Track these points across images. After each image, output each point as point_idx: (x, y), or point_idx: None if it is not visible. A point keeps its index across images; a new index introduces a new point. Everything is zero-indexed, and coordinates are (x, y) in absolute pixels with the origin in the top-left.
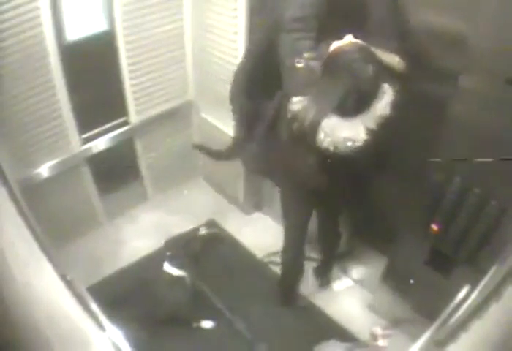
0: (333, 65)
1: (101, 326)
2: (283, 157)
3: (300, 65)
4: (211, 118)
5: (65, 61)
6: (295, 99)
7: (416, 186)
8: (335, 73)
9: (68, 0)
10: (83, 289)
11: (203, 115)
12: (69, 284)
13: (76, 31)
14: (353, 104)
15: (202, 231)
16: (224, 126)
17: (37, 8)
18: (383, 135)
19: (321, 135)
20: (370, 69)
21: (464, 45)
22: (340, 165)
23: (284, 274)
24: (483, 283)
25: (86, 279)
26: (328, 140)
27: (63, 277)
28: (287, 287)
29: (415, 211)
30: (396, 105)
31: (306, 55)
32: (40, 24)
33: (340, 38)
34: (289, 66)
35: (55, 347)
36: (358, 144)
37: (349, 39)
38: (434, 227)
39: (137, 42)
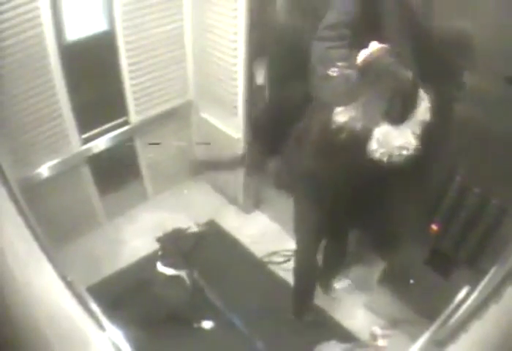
0: (370, 72)
1: (101, 326)
2: (314, 168)
3: (334, 74)
4: (210, 118)
5: (65, 61)
6: (338, 109)
7: (416, 186)
8: (375, 79)
9: (68, 0)
10: (83, 290)
11: (203, 115)
12: (69, 284)
13: (76, 31)
14: (400, 110)
15: (194, 228)
16: (224, 126)
17: (37, 8)
18: (425, 141)
19: (373, 146)
20: (409, 71)
21: (470, 46)
22: (378, 174)
23: (297, 286)
24: (482, 283)
25: (86, 279)
26: (382, 150)
27: (63, 277)
28: (300, 299)
29: (415, 211)
30: (433, 111)
31: (339, 64)
32: (40, 24)
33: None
34: (321, 75)
35: (55, 347)
36: (411, 152)
37: (375, 45)
38: (434, 227)
39: (137, 42)
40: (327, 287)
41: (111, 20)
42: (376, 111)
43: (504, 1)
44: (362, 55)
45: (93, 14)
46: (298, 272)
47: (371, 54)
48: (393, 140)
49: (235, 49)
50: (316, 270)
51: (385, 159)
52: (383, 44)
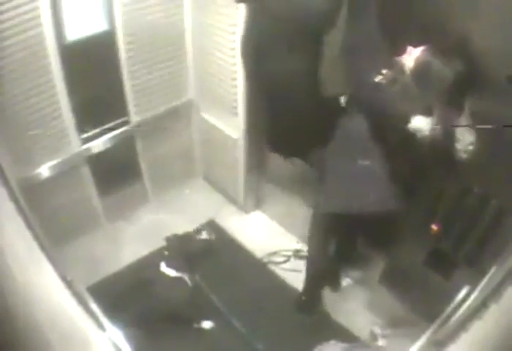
0: (423, 74)
1: (101, 326)
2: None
3: (383, 81)
4: (211, 118)
5: (65, 61)
6: (418, 117)
7: (416, 185)
8: (430, 80)
9: (68, 0)
10: (83, 289)
11: (203, 114)
12: (69, 284)
13: (76, 31)
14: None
15: (203, 235)
16: (224, 126)
17: (37, 8)
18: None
19: (458, 146)
20: (453, 65)
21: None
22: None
23: (309, 282)
24: (482, 283)
25: (86, 279)
26: (463, 148)
27: (63, 277)
28: (311, 297)
29: (415, 211)
30: None
31: (385, 71)
32: (40, 24)
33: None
34: (372, 85)
35: (56, 347)
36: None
37: (412, 50)
38: (434, 227)
39: (137, 42)
40: (336, 285)
41: (111, 20)
42: (455, 111)
43: (504, 1)
44: (408, 59)
45: (93, 14)
46: (310, 267)
47: (419, 56)
48: (468, 136)
49: (235, 49)
50: (327, 265)
51: (464, 156)
52: (423, 46)
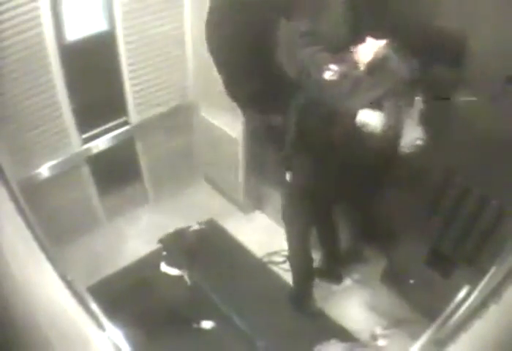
0: (379, 69)
1: (101, 326)
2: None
3: (333, 77)
4: (211, 118)
5: (65, 61)
6: (365, 111)
7: (416, 186)
8: (385, 76)
9: (68, 0)
10: (83, 289)
11: (203, 115)
12: (69, 284)
13: (76, 31)
14: (410, 102)
15: (195, 226)
16: (225, 125)
17: (37, 8)
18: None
19: (405, 141)
20: (410, 61)
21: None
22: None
23: (296, 280)
24: (482, 283)
25: (86, 279)
26: (409, 143)
27: (63, 277)
28: (301, 293)
29: (415, 211)
30: (431, 111)
31: (333, 66)
32: (40, 24)
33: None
34: (320, 80)
35: (56, 347)
36: (421, 142)
37: (374, 41)
38: (434, 226)
39: (137, 42)
40: (336, 277)
41: (111, 20)
42: (399, 108)
43: (503, 1)
44: (366, 53)
45: (93, 14)
46: (294, 268)
47: (380, 50)
48: (414, 133)
49: None
50: (310, 256)
51: (408, 151)
52: (383, 40)
